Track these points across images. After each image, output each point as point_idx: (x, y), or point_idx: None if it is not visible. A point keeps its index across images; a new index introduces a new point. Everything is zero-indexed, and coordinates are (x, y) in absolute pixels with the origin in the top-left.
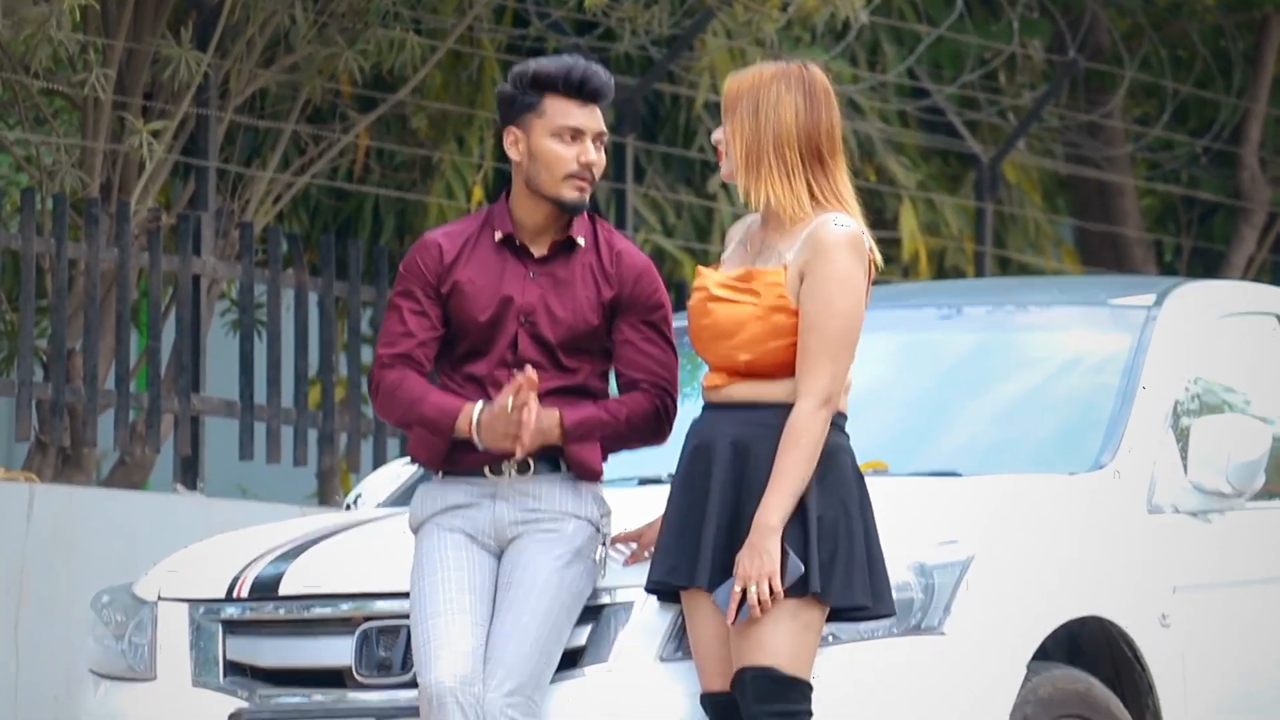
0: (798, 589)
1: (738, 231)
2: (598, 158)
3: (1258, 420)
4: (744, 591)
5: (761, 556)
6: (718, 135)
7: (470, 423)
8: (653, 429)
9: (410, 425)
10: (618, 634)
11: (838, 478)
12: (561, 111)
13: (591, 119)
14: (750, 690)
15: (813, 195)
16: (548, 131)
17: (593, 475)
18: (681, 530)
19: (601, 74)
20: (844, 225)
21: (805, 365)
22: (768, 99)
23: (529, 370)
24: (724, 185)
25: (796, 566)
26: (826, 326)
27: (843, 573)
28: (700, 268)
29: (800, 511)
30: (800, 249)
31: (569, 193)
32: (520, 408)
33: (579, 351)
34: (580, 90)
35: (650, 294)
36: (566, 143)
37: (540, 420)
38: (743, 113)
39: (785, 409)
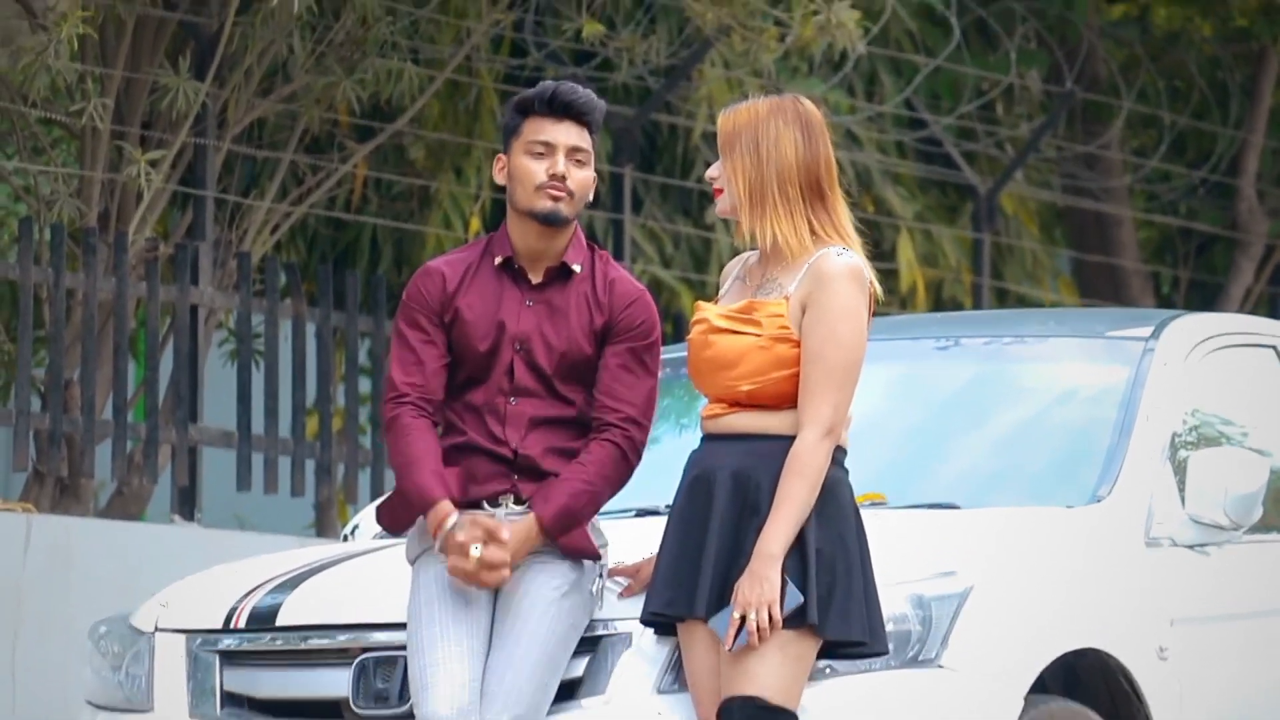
0: (795, 620)
1: (734, 268)
2: (574, 172)
3: (1255, 453)
4: (742, 619)
5: (762, 584)
6: (713, 171)
7: (441, 527)
8: (623, 475)
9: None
10: (615, 666)
11: (836, 511)
12: (534, 128)
13: (564, 133)
14: (736, 719)
15: (813, 230)
16: (522, 149)
17: (592, 556)
18: (679, 561)
19: (576, 90)
20: (845, 257)
21: (808, 395)
22: (767, 135)
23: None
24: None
25: (795, 596)
26: (830, 357)
27: (840, 606)
28: (700, 303)
29: (799, 543)
30: (802, 281)
31: (541, 202)
32: (476, 572)
33: (575, 380)
34: (550, 105)
35: (638, 322)
36: (536, 157)
37: (517, 536)
38: (742, 150)
39: (787, 440)
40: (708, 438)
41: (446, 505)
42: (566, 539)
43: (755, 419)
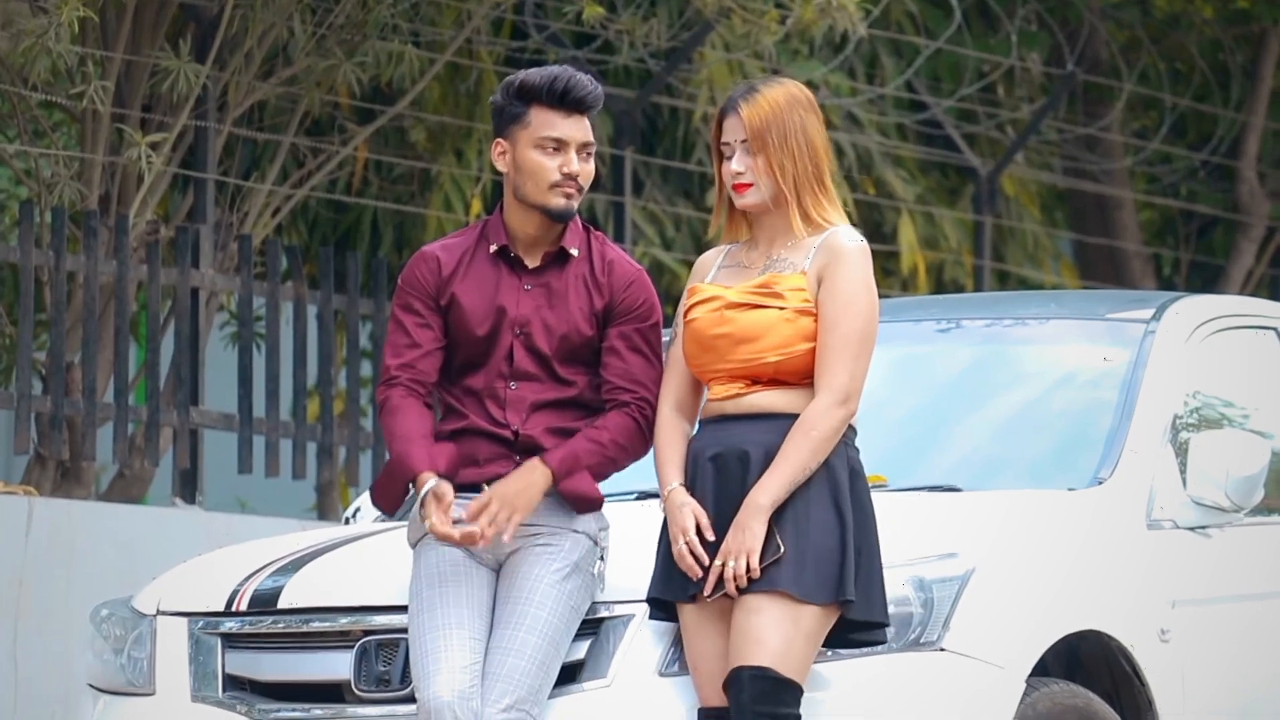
0: (824, 595)
1: (713, 258)
2: (583, 168)
3: (1256, 435)
4: (724, 569)
5: (744, 533)
6: (739, 166)
7: (418, 494)
8: (637, 447)
9: None
10: (616, 648)
11: (862, 492)
12: (545, 122)
13: (575, 129)
14: (746, 688)
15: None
16: (531, 142)
17: (593, 505)
18: (715, 541)
19: (586, 84)
20: (857, 237)
21: (824, 363)
22: (794, 126)
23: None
24: None
25: (777, 548)
26: (847, 325)
27: (864, 587)
28: (697, 285)
29: (839, 521)
30: (815, 256)
31: (556, 200)
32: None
33: (575, 362)
34: (563, 100)
35: (639, 303)
36: (550, 153)
37: (515, 484)
38: (775, 144)
39: None
40: (724, 418)
41: (426, 475)
42: (567, 483)
43: (779, 397)
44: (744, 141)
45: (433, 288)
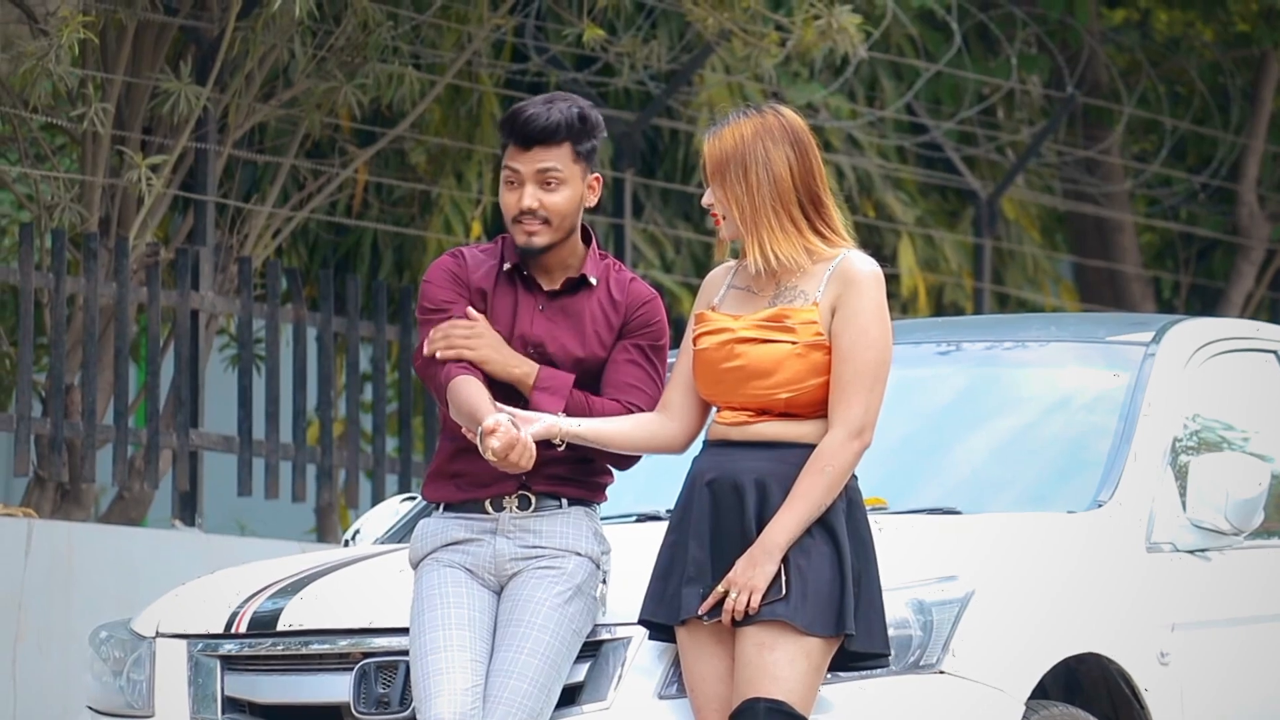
0: (826, 628)
1: (722, 277)
2: (542, 198)
3: (1256, 458)
4: (725, 595)
5: (755, 570)
6: (708, 199)
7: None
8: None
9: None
10: (616, 671)
11: (860, 521)
12: (509, 154)
13: (527, 161)
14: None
15: (821, 236)
16: (502, 176)
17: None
18: (704, 565)
19: (537, 118)
20: (870, 261)
21: (838, 396)
22: (756, 158)
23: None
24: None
25: (778, 590)
26: (861, 357)
27: (864, 618)
28: (706, 313)
29: (835, 551)
30: (828, 284)
31: (518, 235)
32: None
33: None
34: (513, 134)
35: (651, 321)
36: (510, 188)
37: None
38: (733, 177)
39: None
40: (726, 443)
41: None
42: (540, 395)
43: (786, 427)
44: (711, 175)
45: (462, 284)
